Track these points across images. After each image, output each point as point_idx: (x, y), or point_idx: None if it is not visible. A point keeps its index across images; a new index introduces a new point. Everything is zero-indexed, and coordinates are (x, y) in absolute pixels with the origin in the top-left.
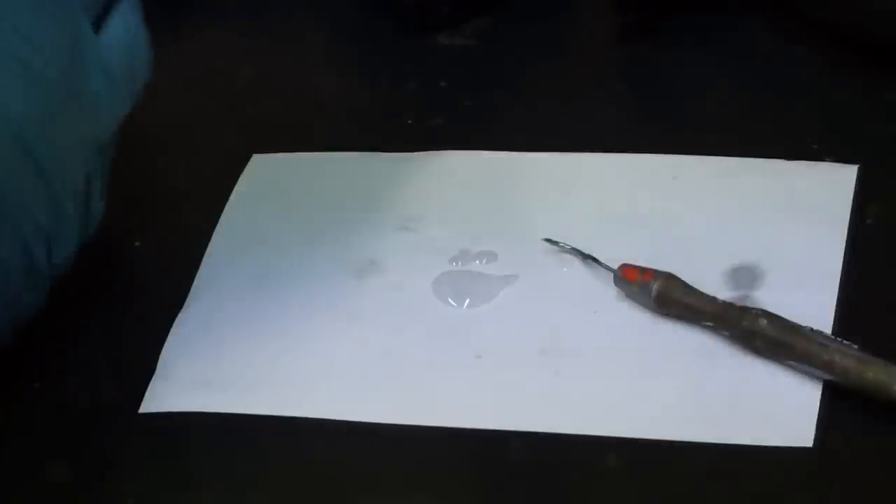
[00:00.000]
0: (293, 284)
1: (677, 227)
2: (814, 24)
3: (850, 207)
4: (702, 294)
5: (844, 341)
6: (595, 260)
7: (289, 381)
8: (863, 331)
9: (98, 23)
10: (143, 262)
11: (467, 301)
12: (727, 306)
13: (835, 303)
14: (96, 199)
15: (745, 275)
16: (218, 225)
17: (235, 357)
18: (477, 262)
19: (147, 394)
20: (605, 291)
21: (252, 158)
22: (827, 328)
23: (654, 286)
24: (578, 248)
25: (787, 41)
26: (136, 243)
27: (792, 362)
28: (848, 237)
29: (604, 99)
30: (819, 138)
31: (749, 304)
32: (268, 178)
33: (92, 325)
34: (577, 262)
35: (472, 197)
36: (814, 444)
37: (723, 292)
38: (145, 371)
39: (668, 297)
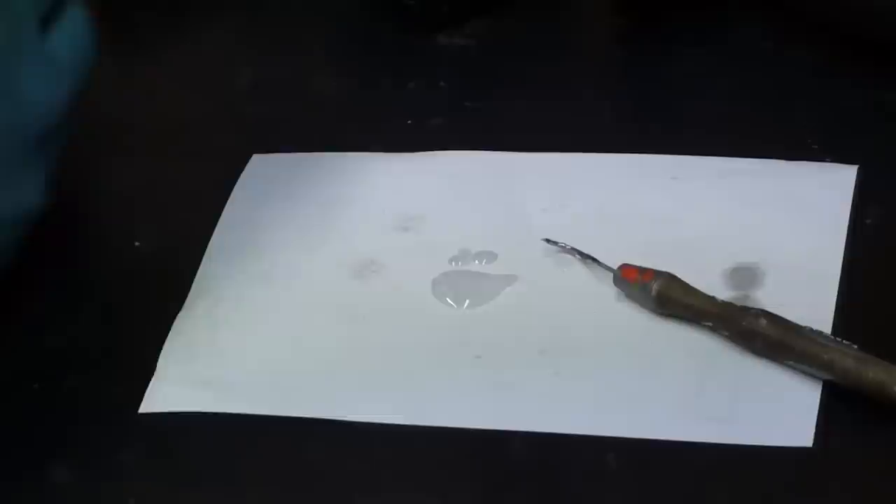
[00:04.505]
0: (293, 284)
1: (677, 227)
2: (813, 24)
3: (850, 207)
4: (702, 294)
5: (844, 341)
6: (595, 260)
7: (289, 381)
8: (863, 331)
9: (47, 20)
10: (143, 262)
11: (467, 301)
12: (727, 306)
13: (835, 303)
14: (31, 191)
15: (745, 275)
16: (218, 225)
17: (235, 357)
18: (477, 262)
19: (147, 394)
20: (605, 291)
21: (252, 158)
22: (827, 328)
23: (654, 286)
24: (578, 248)
25: (786, 41)
26: (136, 243)
27: (792, 362)
28: (848, 237)
29: (604, 99)
30: (819, 138)
31: (749, 304)
32: (268, 178)
33: (92, 325)
34: (577, 262)
35: (472, 197)
36: (814, 444)
37: (723, 292)
38: (145, 371)
39: (667, 297)
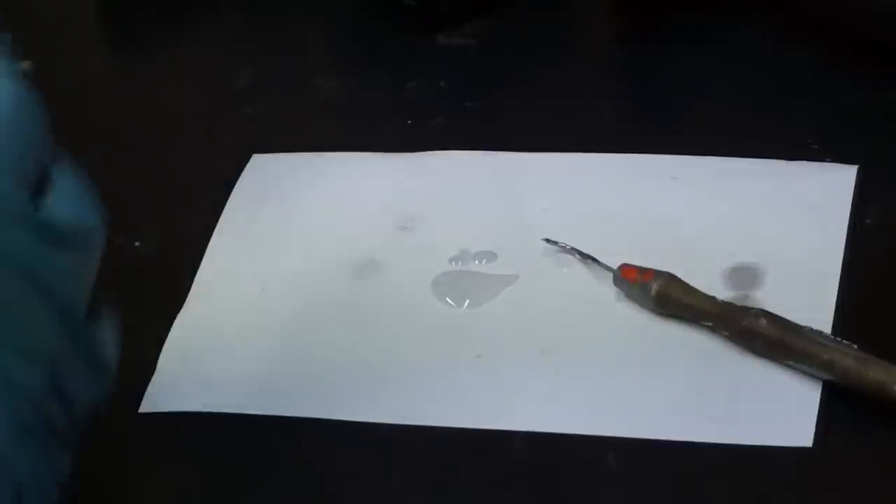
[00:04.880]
0: (293, 284)
1: (677, 227)
2: (813, 24)
3: (850, 207)
4: (702, 294)
5: (844, 341)
6: (595, 260)
7: (289, 381)
8: (863, 331)
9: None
10: (143, 262)
11: (467, 301)
12: (727, 306)
13: (835, 303)
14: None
15: (745, 275)
16: (218, 225)
17: (235, 357)
18: (477, 262)
19: (147, 394)
20: (605, 291)
21: (252, 158)
22: (827, 328)
23: (654, 286)
24: (578, 248)
25: (786, 41)
26: (136, 243)
27: (792, 362)
28: (848, 237)
29: (604, 99)
30: (819, 138)
31: (749, 304)
32: (268, 178)
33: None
34: (577, 262)
35: (472, 197)
36: (814, 444)
37: (723, 292)
38: (145, 371)
39: (667, 297)
